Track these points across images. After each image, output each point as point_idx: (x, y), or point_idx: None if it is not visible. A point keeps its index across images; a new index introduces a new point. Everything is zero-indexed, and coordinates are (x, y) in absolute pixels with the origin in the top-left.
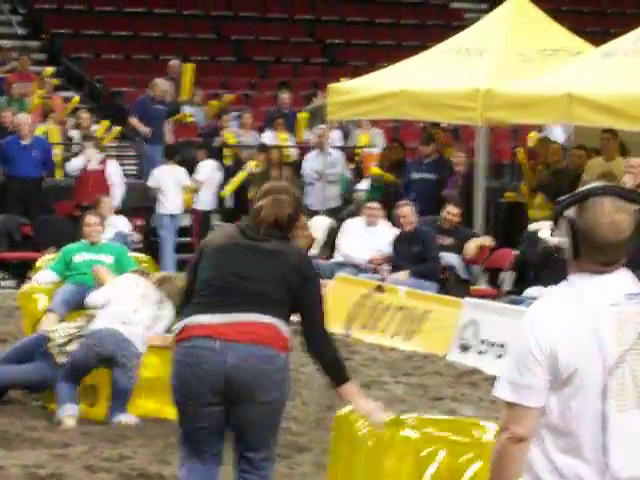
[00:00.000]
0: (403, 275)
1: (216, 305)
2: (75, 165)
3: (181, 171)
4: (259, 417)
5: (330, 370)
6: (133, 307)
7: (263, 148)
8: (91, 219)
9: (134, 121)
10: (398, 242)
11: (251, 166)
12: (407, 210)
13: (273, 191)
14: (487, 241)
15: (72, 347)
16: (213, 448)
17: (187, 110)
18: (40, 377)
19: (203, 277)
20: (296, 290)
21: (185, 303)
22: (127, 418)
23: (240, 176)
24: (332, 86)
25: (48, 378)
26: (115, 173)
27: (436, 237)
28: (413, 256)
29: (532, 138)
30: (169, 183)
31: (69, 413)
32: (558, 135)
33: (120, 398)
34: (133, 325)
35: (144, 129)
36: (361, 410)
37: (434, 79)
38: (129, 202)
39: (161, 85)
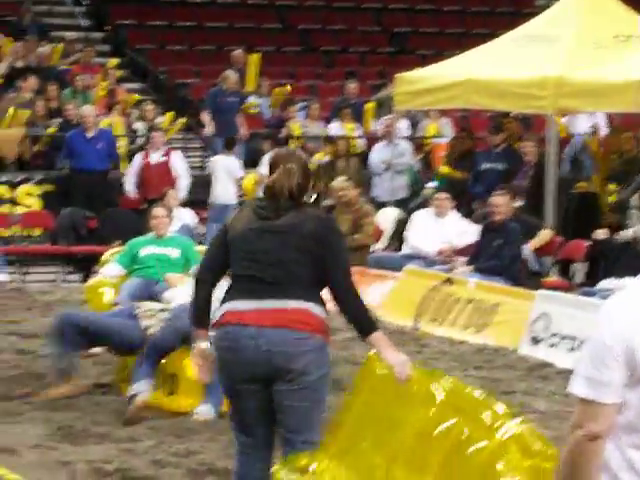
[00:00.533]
0: (465, 269)
1: (247, 292)
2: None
3: (235, 162)
4: (297, 399)
5: (357, 321)
6: None
7: (329, 139)
8: (158, 212)
9: (205, 117)
10: (484, 231)
11: (317, 158)
12: (500, 200)
13: (282, 159)
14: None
15: (156, 321)
16: (261, 429)
17: (253, 101)
18: (129, 338)
19: (234, 267)
20: (317, 254)
21: (202, 276)
22: (208, 411)
23: None
24: (399, 75)
25: (134, 343)
26: (180, 165)
27: (521, 237)
28: (493, 249)
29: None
30: (222, 173)
31: (142, 389)
32: (582, 124)
33: (212, 389)
34: None
35: (211, 126)
36: (388, 361)
37: (504, 67)
38: (194, 194)
39: (232, 77)
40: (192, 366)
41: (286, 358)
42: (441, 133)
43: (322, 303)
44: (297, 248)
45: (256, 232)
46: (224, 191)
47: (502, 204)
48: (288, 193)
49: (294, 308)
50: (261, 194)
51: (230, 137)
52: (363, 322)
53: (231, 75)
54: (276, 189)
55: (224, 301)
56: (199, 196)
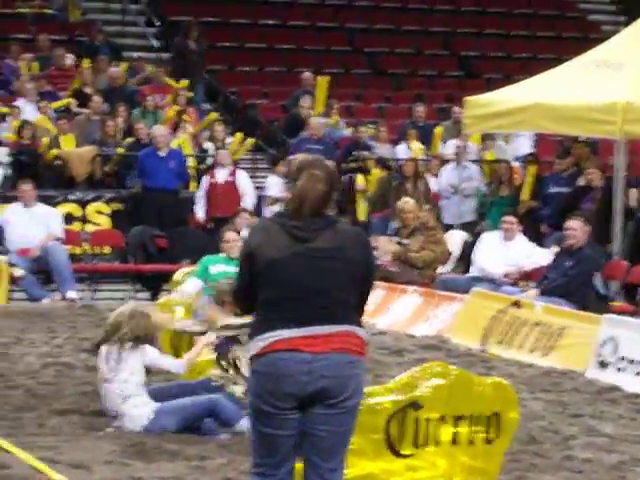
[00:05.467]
0: (532, 293)
1: (292, 320)
2: None
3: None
4: (336, 424)
5: None
6: None
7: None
8: (230, 235)
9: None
10: (558, 254)
11: (380, 179)
12: (574, 224)
13: (306, 166)
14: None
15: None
16: (287, 458)
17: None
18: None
19: (270, 293)
20: (360, 278)
21: (243, 305)
22: None
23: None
24: (469, 99)
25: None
26: (245, 184)
27: (595, 267)
28: (563, 271)
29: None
30: (275, 192)
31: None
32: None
33: None
34: None
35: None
36: None
37: (572, 92)
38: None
39: (316, 123)
40: None
41: (340, 382)
42: (499, 157)
43: (361, 323)
44: (344, 273)
45: (297, 258)
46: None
47: (577, 228)
48: (318, 203)
49: (343, 332)
50: (285, 207)
51: (275, 155)
52: None
53: (315, 121)
54: (305, 200)
55: (262, 330)
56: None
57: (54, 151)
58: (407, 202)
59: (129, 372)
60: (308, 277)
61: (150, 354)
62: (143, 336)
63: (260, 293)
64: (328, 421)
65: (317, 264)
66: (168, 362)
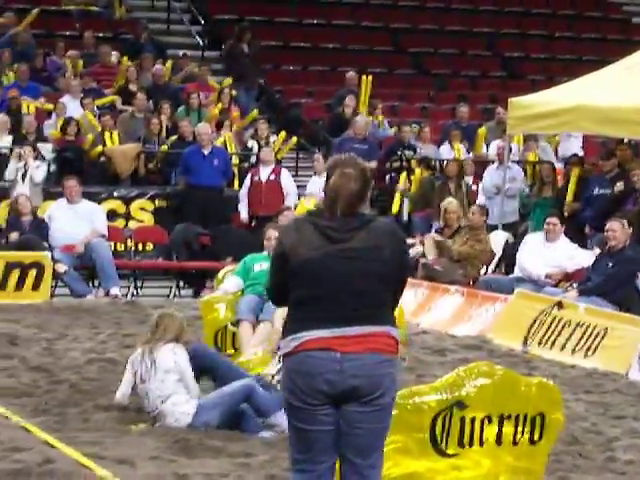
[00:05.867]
0: (572, 294)
1: (325, 320)
2: None
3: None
4: (372, 421)
5: None
6: None
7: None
8: (272, 233)
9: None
10: (599, 256)
11: (423, 179)
12: (615, 225)
13: (340, 164)
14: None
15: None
16: (325, 454)
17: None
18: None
19: (303, 293)
20: (395, 278)
21: (277, 302)
22: None
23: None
24: (513, 100)
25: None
26: (288, 183)
27: (637, 268)
28: (604, 273)
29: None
30: (315, 192)
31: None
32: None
33: None
34: None
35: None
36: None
37: (616, 94)
38: None
39: (360, 123)
40: None
41: (372, 381)
42: (542, 158)
43: (395, 322)
44: (378, 274)
45: (330, 258)
46: None
47: (617, 229)
48: (350, 201)
49: (377, 332)
50: (320, 206)
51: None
52: None
53: (360, 120)
54: (337, 198)
55: (295, 330)
56: None
57: (98, 148)
58: (451, 202)
59: (164, 371)
60: (341, 278)
61: (179, 356)
62: (176, 337)
63: (293, 292)
64: (363, 419)
65: (351, 265)
66: (190, 376)
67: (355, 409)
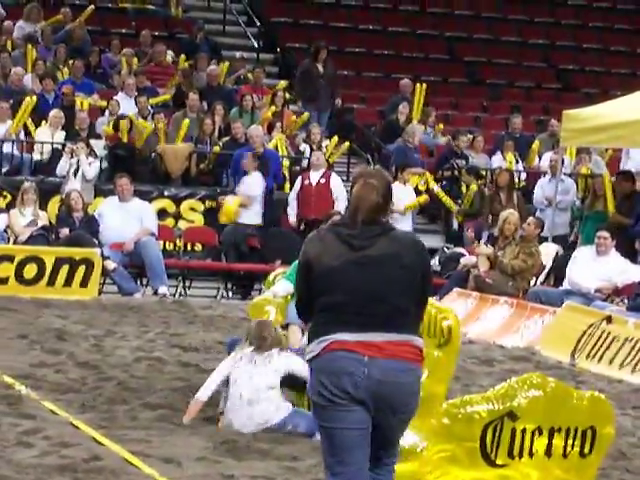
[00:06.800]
0: (619, 305)
1: (350, 325)
2: None
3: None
4: (397, 425)
5: None
6: None
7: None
8: None
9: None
10: None
11: (474, 189)
12: None
13: (365, 175)
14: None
15: None
16: (358, 453)
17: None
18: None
19: (326, 300)
20: (417, 285)
21: (305, 315)
22: None
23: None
24: (567, 112)
25: None
26: (338, 187)
27: None
28: None
29: None
30: None
31: None
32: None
33: None
34: None
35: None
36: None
37: None
38: None
39: (417, 131)
40: None
41: (395, 388)
42: (594, 171)
43: (419, 331)
44: (399, 281)
45: (352, 266)
46: None
47: None
48: (371, 211)
49: (401, 341)
50: (343, 215)
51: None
52: None
53: (417, 129)
54: (359, 207)
55: (319, 334)
56: None
57: (151, 146)
58: (513, 214)
59: (264, 375)
60: (365, 284)
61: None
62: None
63: (317, 300)
64: (392, 427)
65: (373, 271)
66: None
67: (380, 415)
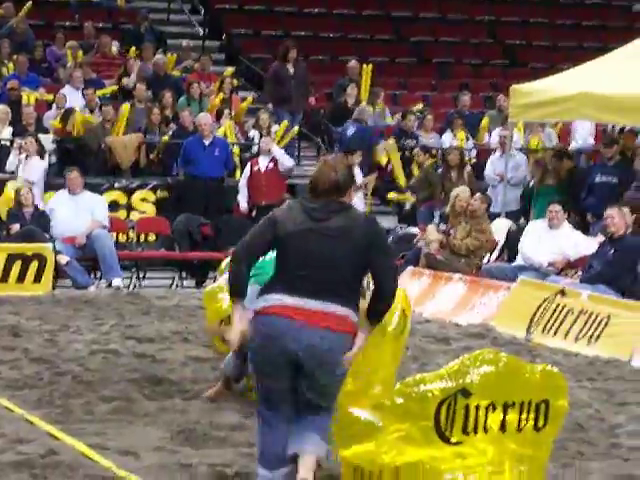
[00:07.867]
0: (573, 278)
1: (295, 289)
2: None
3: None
4: (328, 383)
5: (375, 313)
6: None
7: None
8: None
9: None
10: (602, 243)
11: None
12: (614, 212)
13: (326, 159)
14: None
15: None
16: (285, 406)
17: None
18: None
19: (282, 262)
20: (367, 258)
21: (240, 254)
22: None
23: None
24: (515, 87)
25: None
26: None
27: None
28: (606, 260)
29: None
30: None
31: None
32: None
33: None
34: None
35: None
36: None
37: (618, 82)
38: None
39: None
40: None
41: (325, 355)
42: (546, 145)
43: (357, 308)
44: (349, 252)
45: (309, 233)
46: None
47: (616, 216)
48: (329, 187)
49: (337, 313)
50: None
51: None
52: (378, 316)
53: (367, 110)
54: (318, 182)
55: (268, 291)
56: None
57: (99, 139)
58: (464, 191)
59: None
60: (317, 251)
61: None
62: None
63: (277, 260)
64: (319, 382)
65: (327, 241)
66: None
67: (311, 375)
